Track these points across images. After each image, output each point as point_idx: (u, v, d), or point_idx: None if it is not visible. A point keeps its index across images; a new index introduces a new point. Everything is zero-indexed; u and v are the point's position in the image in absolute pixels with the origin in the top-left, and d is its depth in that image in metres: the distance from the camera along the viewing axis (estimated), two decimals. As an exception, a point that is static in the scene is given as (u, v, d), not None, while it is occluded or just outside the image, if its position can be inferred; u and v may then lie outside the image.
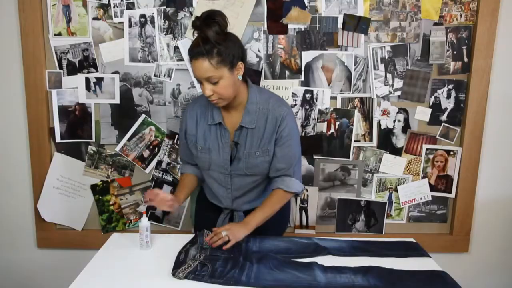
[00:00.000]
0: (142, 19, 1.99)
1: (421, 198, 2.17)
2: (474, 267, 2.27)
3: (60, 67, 2.03)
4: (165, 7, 1.98)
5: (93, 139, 2.10)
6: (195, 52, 1.41)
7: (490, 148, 2.14)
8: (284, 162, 1.57)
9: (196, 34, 1.44)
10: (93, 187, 2.14)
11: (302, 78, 2.04)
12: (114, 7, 1.98)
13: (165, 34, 2.00)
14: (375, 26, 2.01)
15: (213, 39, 1.38)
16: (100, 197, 2.15)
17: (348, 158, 2.12)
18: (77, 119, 2.08)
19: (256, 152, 1.55)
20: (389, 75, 2.05)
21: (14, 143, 2.12)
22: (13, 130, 2.10)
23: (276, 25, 1.98)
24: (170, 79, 2.04)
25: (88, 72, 2.03)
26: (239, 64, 1.47)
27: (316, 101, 2.06)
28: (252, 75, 1.99)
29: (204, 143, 1.59)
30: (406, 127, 2.11)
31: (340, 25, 1.99)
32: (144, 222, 1.52)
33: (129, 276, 1.35)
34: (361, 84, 2.06)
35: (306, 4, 1.97)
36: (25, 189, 2.16)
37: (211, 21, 1.40)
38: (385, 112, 2.08)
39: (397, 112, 2.09)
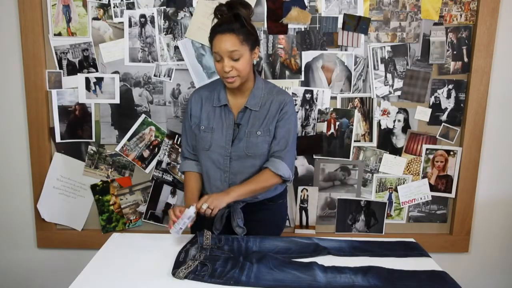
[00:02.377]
0: (142, 19, 1.99)
1: (421, 198, 2.17)
2: (474, 267, 2.27)
3: (60, 67, 2.03)
4: (165, 7, 1.98)
5: (93, 139, 2.10)
6: (224, 28, 1.52)
7: (490, 148, 2.14)
8: (279, 144, 1.63)
9: (215, 20, 1.58)
10: (93, 187, 2.14)
11: (302, 78, 2.04)
12: (114, 7, 1.98)
13: (165, 34, 2.00)
14: (375, 26, 2.01)
15: (245, 16, 1.53)
16: (100, 197, 2.15)
17: (348, 158, 2.12)
18: (77, 119, 2.08)
19: (257, 131, 1.62)
20: (389, 75, 2.05)
21: (14, 143, 2.12)
22: (13, 130, 2.10)
23: (276, 25, 1.98)
24: (170, 79, 2.04)
25: (88, 72, 2.04)
26: (256, 48, 1.61)
27: (316, 101, 2.06)
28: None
29: (208, 123, 1.66)
30: (406, 127, 2.11)
31: (340, 25, 1.99)
32: (192, 210, 1.50)
33: (129, 276, 1.35)
34: (361, 84, 2.06)
35: (306, 4, 1.97)
36: (25, 189, 2.16)
37: (245, 3, 1.58)
38: (385, 112, 2.08)
39: (397, 112, 2.09)
